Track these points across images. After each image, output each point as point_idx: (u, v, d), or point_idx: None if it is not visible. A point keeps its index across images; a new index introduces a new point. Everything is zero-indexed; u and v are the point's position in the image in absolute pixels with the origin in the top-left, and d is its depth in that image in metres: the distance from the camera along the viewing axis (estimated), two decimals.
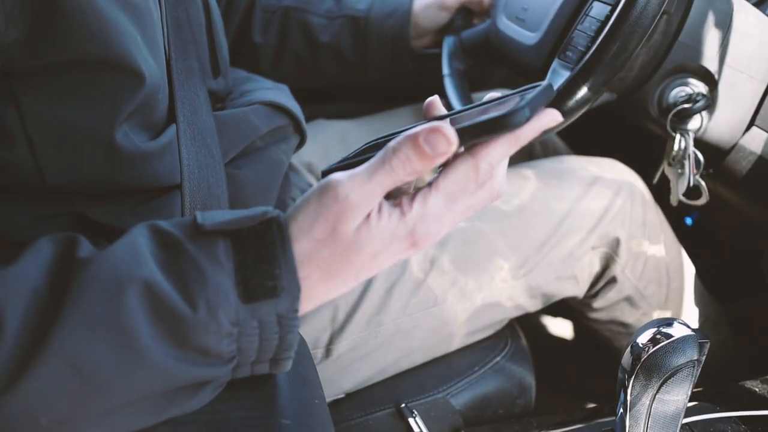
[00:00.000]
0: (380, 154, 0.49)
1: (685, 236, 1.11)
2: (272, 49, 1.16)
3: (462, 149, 0.51)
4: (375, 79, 1.19)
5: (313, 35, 1.14)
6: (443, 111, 0.57)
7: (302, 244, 0.50)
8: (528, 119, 0.47)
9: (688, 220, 1.29)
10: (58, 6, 0.54)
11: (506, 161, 0.55)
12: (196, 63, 0.76)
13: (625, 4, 0.76)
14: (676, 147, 0.89)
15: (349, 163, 0.54)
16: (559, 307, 1.04)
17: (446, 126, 0.47)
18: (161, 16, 0.69)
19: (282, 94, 0.92)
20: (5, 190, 0.62)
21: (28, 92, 0.58)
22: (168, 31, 0.71)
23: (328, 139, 1.16)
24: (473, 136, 0.49)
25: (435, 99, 0.57)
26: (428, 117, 0.57)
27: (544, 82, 0.51)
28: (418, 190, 0.52)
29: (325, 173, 0.55)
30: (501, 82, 1.43)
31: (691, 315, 1.05)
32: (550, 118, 0.51)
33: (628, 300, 1.00)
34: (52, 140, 0.60)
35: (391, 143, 0.49)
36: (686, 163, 0.89)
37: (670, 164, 0.92)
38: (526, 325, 1.31)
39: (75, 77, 0.58)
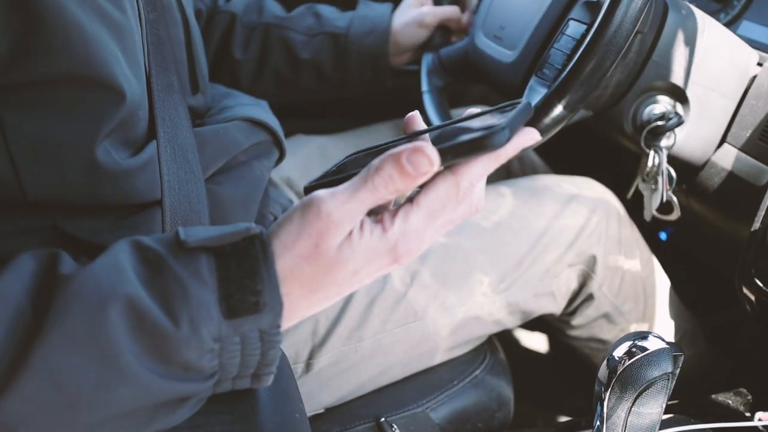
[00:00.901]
0: (363, 172, 0.50)
1: (660, 251, 1.13)
2: (252, 65, 1.16)
3: (442, 167, 0.52)
4: (355, 95, 1.20)
5: (293, 52, 1.15)
6: (423, 126, 0.58)
7: (285, 261, 0.51)
8: (508, 140, 0.48)
9: (663, 235, 1.31)
10: (41, 22, 0.54)
11: (485, 177, 0.56)
12: (176, 80, 0.77)
13: (600, 24, 0.77)
14: (650, 163, 0.91)
15: (331, 180, 0.54)
16: (538, 322, 1.05)
17: (428, 146, 0.48)
18: (142, 34, 0.69)
19: (261, 110, 0.92)
20: None
21: (10, 106, 0.57)
22: (148, 49, 0.71)
23: (308, 154, 1.17)
24: (455, 156, 0.49)
25: (415, 114, 0.58)
26: (408, 132, 0.58)
27: (523, 101, 0.52)
28: (399, 206, 0.52)
29: (307, 189, 0.55)
30: (479, 98, 1.45)
31: (668, 329, 1.06)
32: (529, 136, 0.52)
33: (606, 317, 1.01)
34: (32, 155, 0.60)
35: (374, 162, 0.49)
36: (660, 179, 0.91)
37: (644, 180, 0.94)
38: (505, 339, 1.32)
39: (57, 93, 0.59)
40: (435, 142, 0.52)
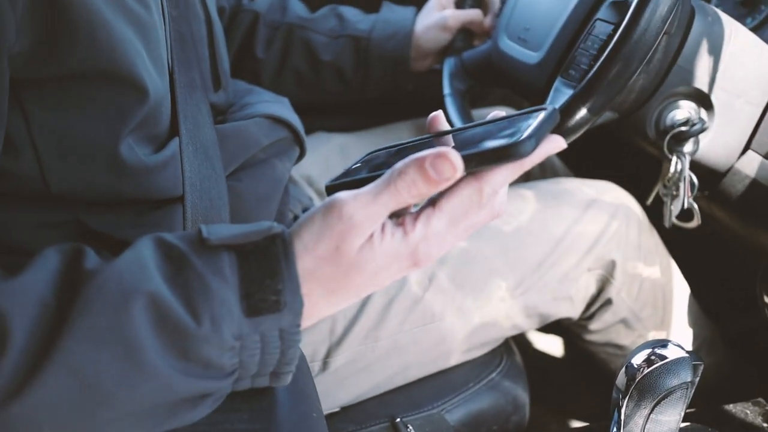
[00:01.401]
0: (385, 175, 0.50)
1: (680, 257, 1.12)
2: (274, 65, 1.17)
3: (466, 173, 0.52)
4: (375, 96, 1.20)
5: (315, 53, 1.15)
6: (447, 126, 0.58)
7: (306, 261, 0.51)
8: (534, 149, 0.48)
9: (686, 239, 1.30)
10: (67, 18, 0.55)
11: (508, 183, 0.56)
12: (199, 77, 0.77)
13: (627, 24, 0.76)
14: (672, 169, 0.90)
15: (353, 180, 0.54)
16: (555, 325, 1.04)
17: (452, 152, 0.48)
18: (165, 31, 0.70)
19: (282, 107, 0.92)
20: (10, 198, 0.63)
21: (35, 101, 0.58)
22: (171, 46, 0.72)
23: (328, 152, 1.17)
24: (479, 163, 0.49)
25: (439, 114, 0.58)
26: (431, 132, 0.58)
27: (549, 107, 0.52)
28: (421, 209, 0.52)
29: (329, 187, 0.55)
30: (500, 99, 1.44)
31: (686, 336, 1.05)
32: (555, 144, 0.52)
33: (624, 322, 1.00)
34: (57, 149, 0.61)
35: (398, 165, 0.49)
36: (681, 185, 0.90)
37: (665, 186, 0.93)
38: (522, 342, 1.32)
39: (81, 88, 0.59)
40: (459, 146, 0.52)
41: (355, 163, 0.59)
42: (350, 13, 1.18)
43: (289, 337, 0.51)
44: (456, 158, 0.48)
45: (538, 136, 0.48)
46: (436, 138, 0.57)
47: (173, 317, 0.48)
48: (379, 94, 1.20)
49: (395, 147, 0.59)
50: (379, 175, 0.51)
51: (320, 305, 0.53)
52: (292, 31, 1.16)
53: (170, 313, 0.48)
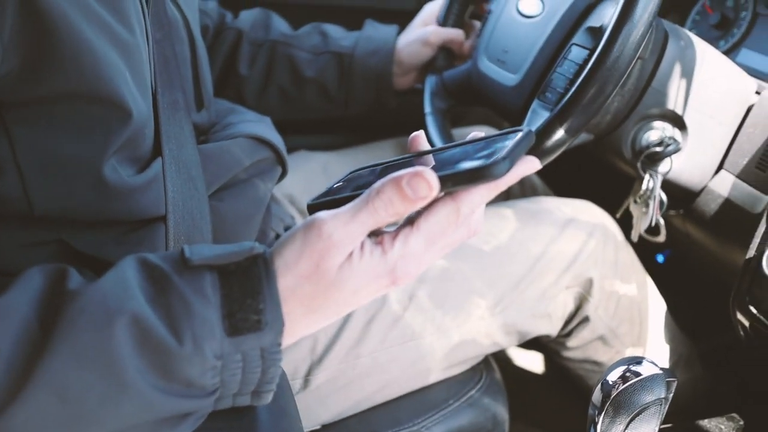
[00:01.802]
0: (364, 194, 0.51)
1: (656, 274, 1.14)
2: (258, 82, 1.18)
3: (443, 193, 0.53)
4: (358, 113, 1.21)
5: (298, 70, 1.16)
6: (427, 146, 0.59)
7: (287, 280, 0.52)
8: (508, 170, 0.49)
9: (660, 258, 1.32)
10: (53, 41, 0.56)
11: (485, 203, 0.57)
12: (182, 97, 0.78)
13: (602, 50, 0.78)
14: (644, 187, 0.92)
15: (333, 199, 0.55)
16: (534, 342, 1.05)
17: (428, 171, 0.49)
18: (149, 53, 0.71)
19: (265, 127, 0.93)
20: None
21: (20, 122, 0.59)
22: (155, 67, 0.73)
23: (311, 170, 1.18)
24: (455, 184, 0.50)
25: (420, 134, 0.59)
26: (412, 151, 0.59)
27: (525, 129, 0.53)
28: (399, 229, 0.53)
29: (310, 206, 0.56)
30: (481, 119, 1.46)
31: (663, 353, 1.07)
32: (529, 165, 0.53)
33: (601, 339, 1.02)
34: (41, 170, 0.61)
35: (376, 184, 0.50)
36: (651, 202, 0.92)
37: (635, 201, 0.95)
38: (501, 359, 1.33)
39: (66, 110, 0.60)
40: (438, 166, 0.53)
41: (337, 182, 0.60)
42: (333, 30, 1.20)
43: (270, 356, 0.52)
44: (432, 177, 0.49)
45: (512, 158, 0.50)
46: (416, 158, 0.58)
47: (155, 337, 0.48)
48: (362, 110, 1.21)
49: (376, 166, 0.60)
50: (359, 195, 0.52)
51: (301, 324, 0.53)
52: (275, 48, 1.17)
53: (152, 333, 0.48)
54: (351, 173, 0.61)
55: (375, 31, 1.18)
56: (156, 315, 0.49)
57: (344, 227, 0.50)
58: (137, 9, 0.68)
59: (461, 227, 0.54)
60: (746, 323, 0.82)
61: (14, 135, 0.59)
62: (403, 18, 1.28)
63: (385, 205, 0.50)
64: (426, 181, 0.49)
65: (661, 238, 0.96)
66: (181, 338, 0.49)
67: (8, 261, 0.64)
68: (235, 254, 0.52)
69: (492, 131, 1.34)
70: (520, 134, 0.52)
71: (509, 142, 0.51)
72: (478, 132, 0.58)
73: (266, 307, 0.51)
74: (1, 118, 0.58)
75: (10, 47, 0.54)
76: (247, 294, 0.51)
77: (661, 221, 0.94)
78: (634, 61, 0.79)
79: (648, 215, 0.94)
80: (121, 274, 0.51)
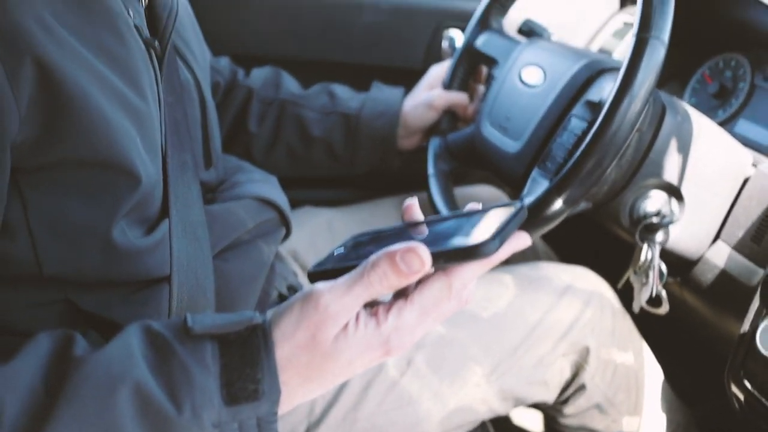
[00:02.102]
0: (360, 267, 0.53)
1: (654, 340, 1.14)
2: (266, 139, 1.20)
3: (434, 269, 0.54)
4: (363, 172, 1.24)
5: (306, 129, 1.19)
6: (420, 216, 0.61)
7: (284, 350, 0.53)
8: (497, 249, 0.51)
9: (660, 324, 1.33)
10: (68, 111, 0.58)
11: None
12: (191, 157, 0.80)
13: (601, 124, 0.80)
14: (642, 257, 0.93)
15: (333, 268, 0.57)
16: (531, 408, 1.05)
17: (421, 247, 0.51)
18: (161, 117, 0.73)
19: (271, 187, 0.95)
20: (2, 279, 0.65)
21: (34, 187, 0.61)
22: (166, 130, 0.75)
23: (315, 227, 1.20)
24: (447, 260, 0.52)
25: (414, 204, 0.61)
26: (406, 219, 0.61)
27: (518, 205, 0.55)
28: (393, 301, 0.55)
29: (311, 274, 0.58)
30: (483, 178, 1.48)
31: (660, 421, 1.07)
32: (520, 242, 0.55)
33: (598, 407, 1.02)
34: (51, 233, 0.63)
35: (371, 258, 0.52)
36: (651, 273, 0.93)
37: (635, 272, 0.96)
38: (498, 424, 1.32)
39: (78, 175, 0.62)
40: (432, 240, 0.55)
41: (339, 247, 0.62)
42: (341, 91, 1.23)
43: (266, 425, 0.53)
44: (424, 253, 0.51)
45: (502, 237, 0.51)
46: (411, 227, 0.60)
47: (156, 404, 0.50)
48: (367, 169, 1.23)
49: (375, 233, 0.62)
50: (356, 265, 0.54)
51: (297, 392, 0.55)
52: (284, 107, 1.20)
53: (153, 401, 0.50)
54: (353, 238, 0.63)
55: (381, 93, 1.21)
56: (157, 383, 0.51)
57: (340, 299, 0.52)
58: (150, 75, 0.71)
59: (453, 299, 0.56)
60: (741, 397, 0.83)
61: (27, 199, 0.61)
62: (410, 76, 1.32)
63: (379, 278, 0.52)
64: (419, 257, 0.51)
65: (663, 310, 0.96)
66: (180, 406, 0.50)
67: (16, 320, 0.66)
68: (235, 324, 0.54)
69: (493, 192, 1.37)
70: (511, 211, 0.54)
71: (501, 219, 0.53)
72: (475, 204, 0.60)
73: (264, 377, 0.52)
74: (16, 182, 0.60)
75: (28, 117, 0.57)
76: (246, 363, 0.53)
77: (663, 293, 0.95)
78: (632, 134, 0.81)
79: (648, 287, 0.95)
80: (126, 341, 0.53)
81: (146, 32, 0.72)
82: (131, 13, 0.69)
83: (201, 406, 0.51)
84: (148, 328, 0.55)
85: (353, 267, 0.54)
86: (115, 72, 0.64)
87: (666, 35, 0.79)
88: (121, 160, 0.63)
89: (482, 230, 0.53)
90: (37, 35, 0.56)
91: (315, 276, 0.58)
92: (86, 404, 0.49)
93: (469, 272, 0.54)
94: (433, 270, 0.54)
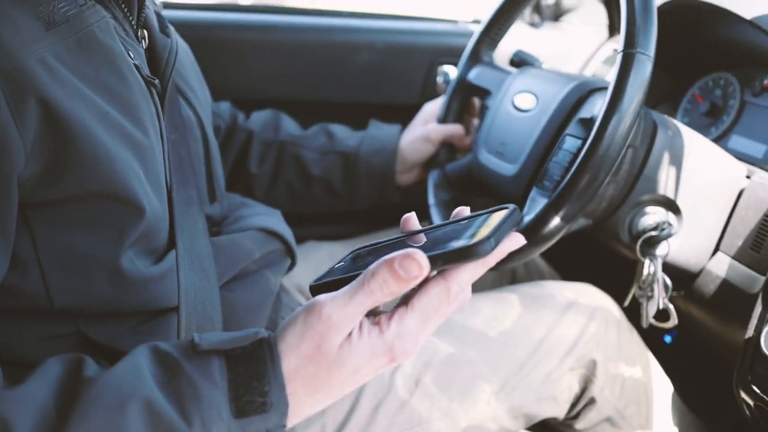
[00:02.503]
0: (360, 277, 0.54)
1: (664, 355, 1.14)
2: (267, 179, 1.23)
3: (435, 272, 0.55)
4: (363, 208, 1.26)
5: (305, 168, 1.21)
6: (418, 227, 0.62)
7: (290, 362, 0.54)
8: (493, 249, 0.52)
9: (668, 339, 1.33)
10: (72, 147, 0.60)
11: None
12: (195, 193, 0.82)
13: (593, 139, 0.81)
14: (645, 272, 0.94)
15: (333, 279, 0.58)
16: (542, 426, 1.05)
17: (418, 252, 0.52)
18: (164, 153, 0.75)
19: (275, 220, 0.97)
20: (15, 313, 0.66)
21: (41, 221, 0.63)
22: (170, 165, 0.77)
23: (319, 260, 1.21)
24: (444, 263, 0.53)
25: (411, 216, 0.62)
26: (404, 231, 0.62)
27: (510, 206, 0.56)
28: (394, 309, 0.56)
29: (313, 288, 0.59)
30: (483, 207, 1.50)
31: None
32: (515, 242, 0.56)
33: (609, 421, 1.01)
34: (61, 266, 0.65)
35: (370, 267, 0.54)
36: (655, 287, 0.94)
37: (640, 288, 0.97)
38: None
39: (84, 208, 0.64)
40: (429, 246, 0.56)
41: (339, 262, 0.63)
42: (339, 130, 1.26)
43: None
44: (422, 258, 0.52)
45: (497, 237, 0.52)
46: (409, 237, 0.61)
47: (166, 421, 0.51)
48: (366, 205, 1.25)
49: (375, 245, 0.63)
50: (356, 275, 0.55)
51: (305, 404, 0.56)
52: (284, 147, 1.23)
53: (163, 417, 0.51)
54: (352, 253, 0.64)
55: (379, 130, 1.24)
56: (166, 399, 0.52)
57: (342, 309, 0.53)
58: (152, 112, 0.73)
59: (452, 302, 0.57)
60: (750, 403, 0.83)
61: (36, 233, 0.63)
62: (408, 112, 1.35)
63: (380, 286, 0.53)
64: (416, 261, 0.52)
65: (672, 323, 0.97)
66: (190, 421, 0.51)
67: (28, 353, 0.67)
68: (241, 339, 0.55)
69: None
70: (505, 212, 0.55)
71: (495, 221, 0.54)
72: (463, 208, 0.61)
73: (271, 389, 0.53)
74: (25, 218, 0.62)
75: (33, 154, 0.59)
76: (252, 377, 0.54)
77: (670, 306, 0.96)
78: (624, 150, 0.82)
79: (654, 300, 0.95)
80: (135, 361, 0.54)
81: (147, 71, 0.75)
82: (132, 53, 0.72)
83: (210, 420, 0.52)
84: (156, 348, 0.56)
85: (353, 277, 0.55)
86: (117, 108, 0.66)
87: (651, 50, 0.81)
88: (125, 192, 0.65)
89: (477, 232, 0.54)
90: (41, 75, 0.58)
91: (316, 289, 0.59)
92: (98, 423, 0.50)
93: (466, 275, 0.55)
94: (433, 274, 0.55)
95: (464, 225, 0.57)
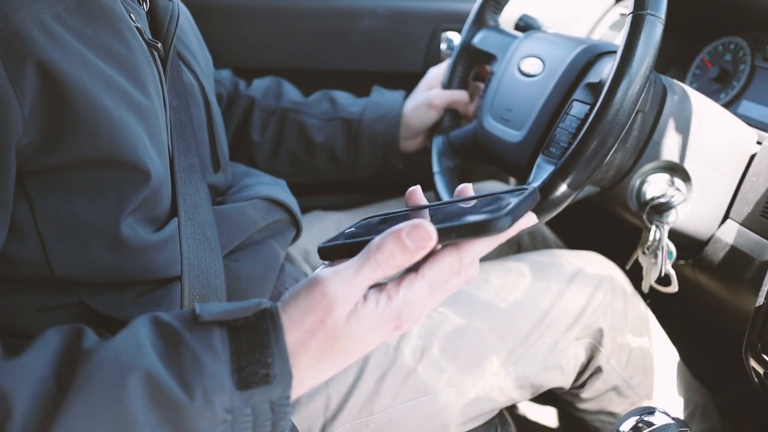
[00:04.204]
0: (365, 250, 0.53)
1: (672, 324, 1.14)
2: (269, 147, 1.21)
3: (443, 244, 0.54)
4: (367, 175, 1.24)
5: (308, 135, 1.20)
6: (423, 200, 0.61)
7: (293, 335, 0.53)
8: (510, 226, 0.51)
9: (676, 308, 1.32)
10: (72, 111, 0.59)
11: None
12: (198, 161, 0.81)
13: (602, 104, 0.80)
14: (651, 237, 0.93)
15: (344, 243, 0.57)
16: (548, 395, 1.05)
17: (426, 223, 0.51)
18: (166, 119, 0.74)
19: (280, 189, 0.96)
20: (15, 282, 0.65)
21: (39, 189, 0.62)
22: (172, 132, 0.76)
23: (324, 228, 1.20)
24: (459, 236, 0.52)
25: (416, 189, 0.61)
26: (409, 205, 0.61)
27: (531, 188, 0.55)
28: (403, 275, 0.55)
29: (321, 249, 0.58)
30: (488, 175, 1.49)
31: (678, 402, 1.06)
32: (527, 220, 0.55)
33: (616, 390, 1.01)
34: (60, 233, 0.64)
35: (375, 240, 0.52)
36: (659, 253, 0.93)
37: (644, 253, 0.96)
38: (516, 412, 1.31)
39: (84, 175, 0.63)
40: (441, 219, 0.55)
41: (349, 228, 0.62)
42: (342, 97, 1.24)
43: (280, 409, 0.53)
44: (430, 228, 0.51)
45: (515, 215, 0.51)
46: (415, 210, 0.60)
47: (167, 392, 0.50)
48: (370, 173, 1.24)
49: (383, 216, 0.62)
50: (366, 241, 0.54)
51: (309, 374, 0.55)
52: (286, 114, 1.21)
53: (164, 389, 0.50)
54: (363, 220, 0.64)
55: (382, 96, 1.22)
56: (167, 371, 0.51)
57: (348, 283, 0.52)
58: (154, 76, 0.72)
59: (462, 274, 0.56)
60: (760, 371, 0.82)
61: (34, 201, 0.62)
62: (411, 80, 1.33)
63: (386, 258, 0.52)
64: (425, 231, 0.51)
65: (673, 288, 0.96)
66: (192, 393, 0.50)
67: (28, 324, 0.66)
68: (243, 310, 0.54)
69: (498, 186, 1.37)
70: (526, 192, 0.54)
71: (513, 200, 0.53)
72: (466, 186, 0.60)
73: (274, 361, 0.52)
74: (22, 185, 0.61)
75: (31, 119, 0.58)
76: (255, 348, 0.52)
77: (672, 271, 0.95)
78: (633, 114, 0.81)
79: (657, 266, 0.95)
80: (134, 332, 0.53)
81: (149, 34, 0.73)
82: (133, 16, 0.70)
83: (212, 392, 0.51)
84: (156, 319, 0.55)
85: (363, 243, 0.54)
86: (120, 72, 0.65)
87: (662, 12, 0.79)
88: (129, 157, 0.63)
89: (495, 209, 0.53)
90: (39, 39, 0.57)
91: (325, 251, 0.58)
92: (97, 395, 0.49)
93: (479, 248, 0.54)
94: (440, 247, 0.54)
95: (482, 201, 0.56)
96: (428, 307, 0.55)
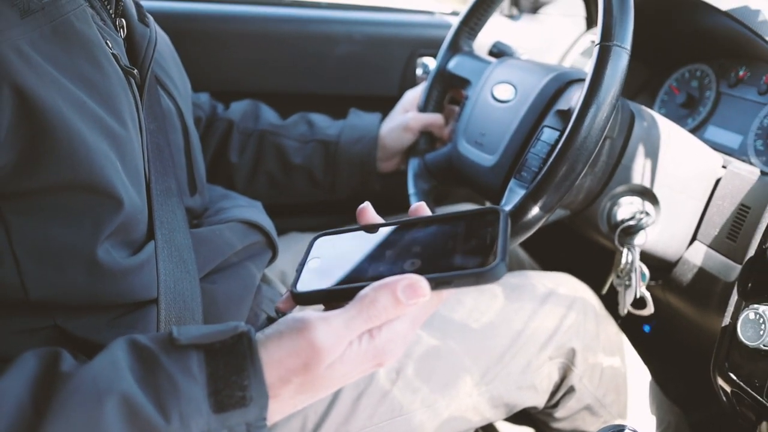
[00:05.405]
0: (356, 303, 0.53)
1: (644, 344, 1.15)
2: (247, 169, 1.22)
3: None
4: (344, 197, 1.25)
5: (286, 157, 1.21)
6: (375, 218, 0.62)
7: (273, 372, 0.54)
8: (505, 273, 0.52)
9: (646, 328, 1.34)
10: (48, 135, 0.59)
11: None
12: (175, 184, 0.81)
13: (570, 131, 0.81)
14: (623, 261, 0.95)
15: (320, 290, 0.58)
16: (523, 415, 1.06)
17: (422, 280, 0.53)
18: (142, 143, 0.74)
19: (256, 211, 0.96)
20: None
21: (15, 212, 0.62)
22: (148, 156, 0.76)
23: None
24: (458, 285, 0.53)
25: (366, 206, 0.62)
26: (361, 222, 0.62)
27: (502, 213, 0.55)
28: None
29: (296, 296, 0.58)
30: (463, 198, 1.50)
31: (651, 421, 1.07)
32: None
33: (588, 409, 1.03)
34: (36, 257, 0.64)
35: (367, 293, 0.53)
36: (633, 275, 0.95)
37: (618, 276, 0.98)
38: None
39: (59, 199, 0.63)
40: (427, 258, 0.55)
41: (309, 258, 0.62)
42: (319, 119, 1.25)
43: (257, 431, 0.54)
44: (425, 285, 0.52)
45: (507, 255, 0.52)
46: (374, 228, 0.60)
47: (144, 416, 0.50)
48: (348, 194, 1.24)
49: (337, 232, 0.63)
50: (344, 289, 0.55)
51: (288, 405, 0.56)
52: (264, 137, 1.22)
53: (141, 412, 0.50)
54: (315, 240, 0.64)
55: (359, 119, 1.24)
56: (144, 394, 0.51)
57: (336, 334, 0.53)
58: (130, 102, 0.72)
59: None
60: (728, 390, 0.84)
61: (10, 224, 0.62)
62: (387, 104, 1.34)
63: (379, 313, 0.53)
64: (421, 288, 0.52)
65: (649, 311, 0.98)
66: (168, 416, 0.51)
67: (4, 347, 0.66)
68: (220, 333, 0.55)
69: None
70: (501, 223, 0.54)
71: (496, 234, 0.53)
72: (420, 205, 0.61)
73: (251, 384, 0.53)
74: None
75: (7, 143, 0.58)
76: (232, 371, 0.53)
77: (647, 294, 0.97)
78: (601, 140, 0.83)
79: (632, 288, 0.96)
80: (112, 355, 0.54)
81: (125, 60, 0.74)
82: (110, 43, 0.71)
83: (189, 415, 0.51)
84: (133, 342, 0.55)
85: (341, 292, 0.55)
86: (94, 98, 0.65)
87: (628, 43, 0.82)
88: (102, 184, 0.64)
89: (478, 248, 0.53)
90: (15, 63, 0.57)
91: (301, 298, 0.58)
92: (74, 419, 0.49)
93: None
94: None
95: (455, 229, 0.57)
96: (408, 340, 0.56)
